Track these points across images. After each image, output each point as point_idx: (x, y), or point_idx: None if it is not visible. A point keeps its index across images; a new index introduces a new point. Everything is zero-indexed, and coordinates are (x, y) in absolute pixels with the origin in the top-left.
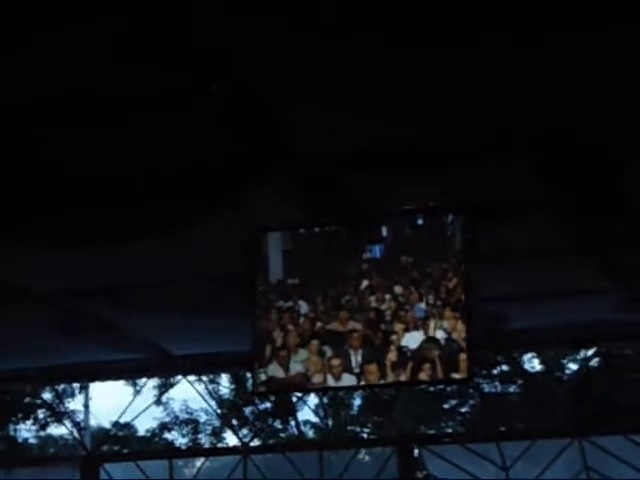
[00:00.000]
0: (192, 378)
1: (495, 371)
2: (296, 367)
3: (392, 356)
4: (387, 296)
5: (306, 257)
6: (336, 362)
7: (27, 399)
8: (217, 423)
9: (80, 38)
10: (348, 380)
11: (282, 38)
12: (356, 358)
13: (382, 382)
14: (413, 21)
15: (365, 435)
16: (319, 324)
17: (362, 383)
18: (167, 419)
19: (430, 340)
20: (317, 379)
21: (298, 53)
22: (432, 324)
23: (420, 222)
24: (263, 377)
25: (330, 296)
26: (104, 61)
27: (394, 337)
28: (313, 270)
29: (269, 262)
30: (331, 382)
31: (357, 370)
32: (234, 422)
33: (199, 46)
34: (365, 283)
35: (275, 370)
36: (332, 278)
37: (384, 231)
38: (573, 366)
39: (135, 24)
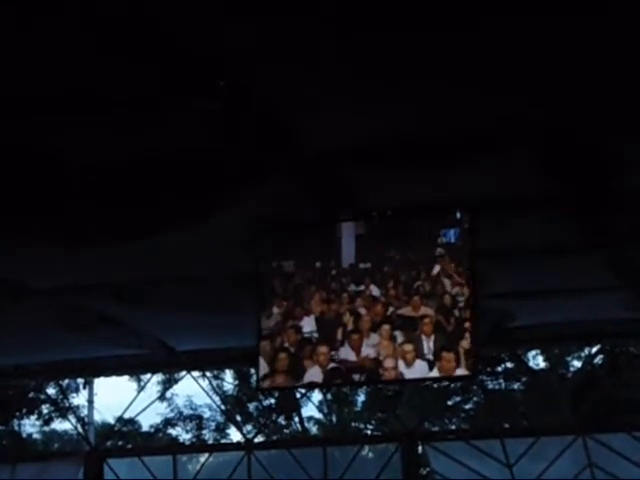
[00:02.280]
0: (196, 374)
1: (499, 368)
2: (367, 351)
3: (465, 344)
4: (461, 282)
5: (378, 241)
6: (409, 347)
7: (31, 394)
8: (221, 419)
9: (79, 36)
10: (420, 366)
11: (283, 36)
12: (428, 344)
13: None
14: (413, 18)
15: (369, 431)
16: (391, 309)
17: (435, 371)
18: (171, 415)
19: None
20: (389, 363)
21: (300, 51)
22: None
23: None
24: (337, 357)
25: (402, 281)
26: (107, 59)
27: (467, 324)
28: (385, 254)
29: (342, 246)
30: (402, 367)
31: (430, 357)
32: (238, 418)
33: (201, 46)
34: (437, 268)
35: (347, 353)
36: (404, 262)
37: (459, 215)
38: (577, 363)
39: (136, 22)
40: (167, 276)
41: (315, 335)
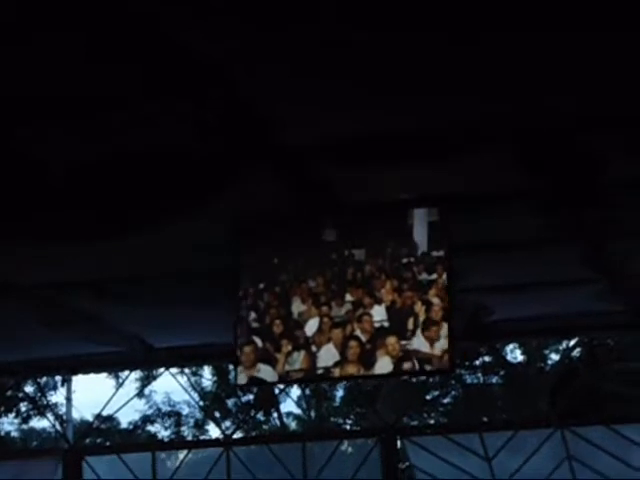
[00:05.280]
0: (174, 370)
1: (477, 362)
2: (441, 342)
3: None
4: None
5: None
6: None
7: (9, 392)
8: (200, 415)
9: (63, 40)
10: None
11: (263, 33)
12: None
13: None
14: (397, 14)
15: (348, 427)
16: None
17: None
18: (149, 412)
19: None
20: None
21: (280, 47)
22: None
23: None
24: (408, 348)
25: None
26: (87, 61)
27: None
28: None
29: (413, 233)
30: None
31: None
32: (217, 414)
33: (183, 46)
34: None
35: (420, 344)
36: None
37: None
38: (555, 356)
39: (116, 24)
40: (146, 273)
41: (385, 324)
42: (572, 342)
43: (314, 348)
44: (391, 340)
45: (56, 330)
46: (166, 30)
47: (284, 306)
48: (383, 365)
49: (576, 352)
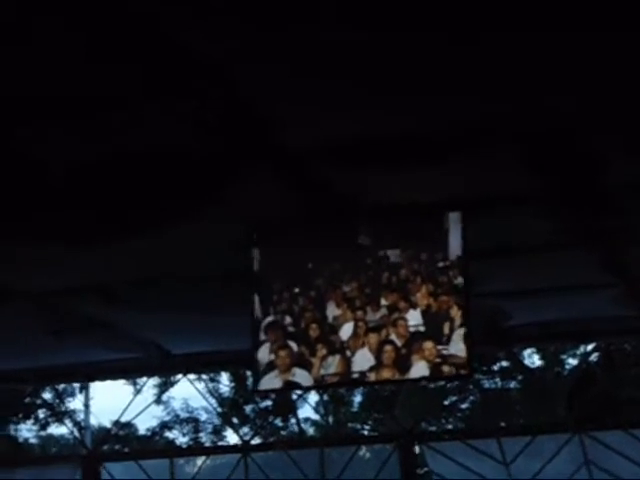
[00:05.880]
0: (192, 377)
1: (495, 367)
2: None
3: None
4: None
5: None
6: None
7: (27, 399)
8: (218, 421)
9: (63, 40)
10: None
11: (263, 33)
12: None
13: None
14: (397, 14)
15: (366, 432)
16: None
17: None
18: (167, 418)
19: None
20: None
21: (280, 47)
22: None
23: None
24: (445, 352)
25: None
26: (87, 61)
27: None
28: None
29: (449, 237)
30: None
31: None
32: (235, 420)
33: (183, 46)
34: None
35: (457, 349)
36: None
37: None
38: (573, 361)
39: (116, 24)
40: (161, 278)
41: (421, 329)
42: (590, 347)
43: (349, 352)
44: (428, 345)
45: (73, 337)
46: (166, 30)
47: (319, 310)
48: (419, 370)
49: (594, 357)
